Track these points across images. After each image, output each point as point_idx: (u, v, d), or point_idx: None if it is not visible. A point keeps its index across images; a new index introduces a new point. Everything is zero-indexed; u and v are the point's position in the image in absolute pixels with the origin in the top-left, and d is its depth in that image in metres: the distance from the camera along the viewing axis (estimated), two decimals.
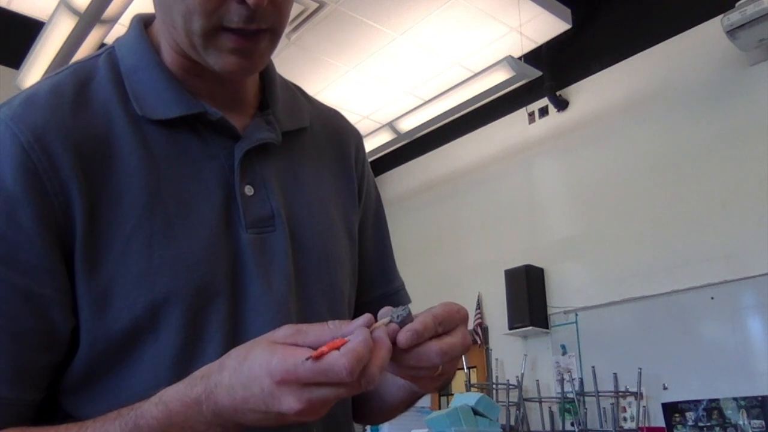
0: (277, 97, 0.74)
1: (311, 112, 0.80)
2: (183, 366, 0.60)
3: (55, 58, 3.71)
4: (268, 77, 0.75)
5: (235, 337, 0.62)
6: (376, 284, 0.82)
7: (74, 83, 0.65)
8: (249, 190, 0.67)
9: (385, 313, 0.55)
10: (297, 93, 0.81)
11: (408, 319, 0.55)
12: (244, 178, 0.67)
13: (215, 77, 0.67)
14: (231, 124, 0.67)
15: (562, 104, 4.80)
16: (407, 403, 0.74)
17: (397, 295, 0.84)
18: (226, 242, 0.64)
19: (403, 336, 0.53)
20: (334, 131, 0.82)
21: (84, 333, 0.59)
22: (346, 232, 0.76)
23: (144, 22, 0.71)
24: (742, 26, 3.49)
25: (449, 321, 0.57)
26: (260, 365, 0.50)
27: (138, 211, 0.61)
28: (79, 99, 0.64)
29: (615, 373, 3.98)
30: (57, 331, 0.59)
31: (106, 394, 0.60)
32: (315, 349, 0.49)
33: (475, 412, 2.83)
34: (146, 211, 0.61)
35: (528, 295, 4.51)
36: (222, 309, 0.62)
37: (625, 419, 3.98)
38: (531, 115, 5.03)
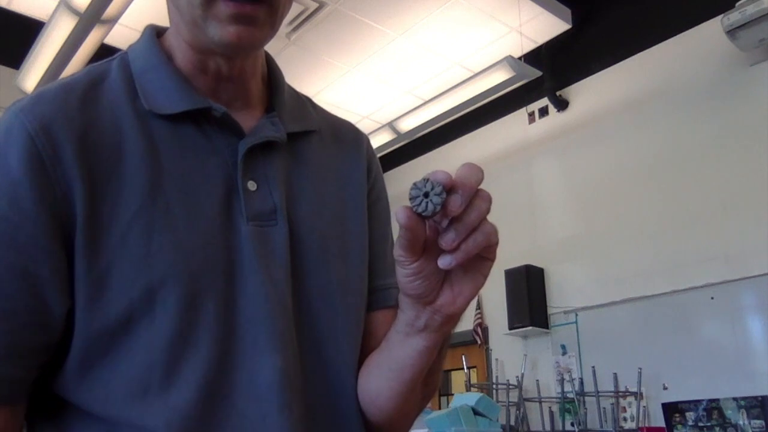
0: (283, 101, 0.76)
1: (320, 121, 0.81)
2: (177, 351, 0.61)
3: (55, 58, 3.71)
4: (275, 82, 0.77)
5: (229, 324, 0.63)
6: (374, 275, 0.80)
7: (86, 82, 0.68)
8: (252, 186, 0.68)
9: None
10: (306, 102, 0.82)
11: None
12: (246, 174, 0.68)
13: (223, 75, 0.70)
14: (235, 121, 0.69)
15: (562, 104, 4.80)
16: (428, 362, 0.67)
17: (395, 290, 0.82)
18: (226, 232, 0.65)
19: (454, 199, 0.52)
20: (343, 136, 0.83)
21: (80, 316, 0.61)
22: (357, 228, 0.77)
23: (156, 32, 0.74)
24: (742, 26, 3.49)
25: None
26: None
27: (139, 199, 0.63)
28: (88, 96, 0.67)
29: (615, 373, 3.98)
30: (52, 311, 0.61)
31: (100, 377, 0.61)
32: None
33: (475, 412, 2.84)
34: (148, 199, 0.63)
35: (528, 295, 4.51)
36: (219, 296, 0.63)
37: (625, 419, 3.99)
38: (531, 115, 5.04)
